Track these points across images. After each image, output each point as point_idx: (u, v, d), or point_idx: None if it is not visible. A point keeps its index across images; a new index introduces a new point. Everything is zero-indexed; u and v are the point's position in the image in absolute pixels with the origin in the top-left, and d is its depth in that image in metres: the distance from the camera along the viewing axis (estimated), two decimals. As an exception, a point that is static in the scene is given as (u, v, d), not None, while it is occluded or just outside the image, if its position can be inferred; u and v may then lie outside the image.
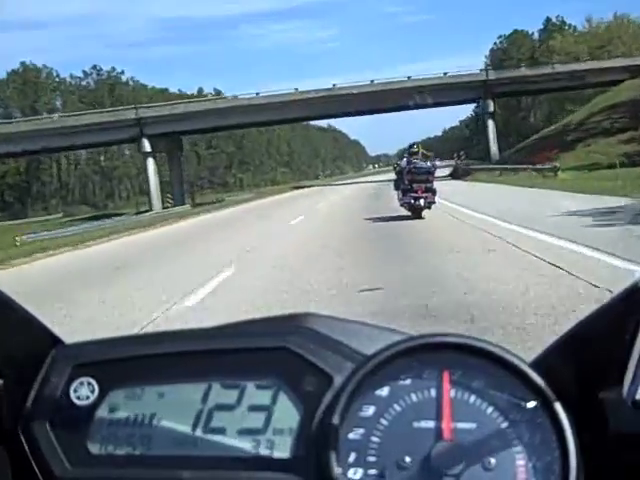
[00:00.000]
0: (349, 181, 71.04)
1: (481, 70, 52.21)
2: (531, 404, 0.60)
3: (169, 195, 48.18)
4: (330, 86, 48.52)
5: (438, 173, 16.87)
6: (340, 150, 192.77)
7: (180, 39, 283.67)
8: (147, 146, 47.13)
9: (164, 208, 44.79)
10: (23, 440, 0.69)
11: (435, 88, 47.36)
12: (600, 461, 0.58)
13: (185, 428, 0.66)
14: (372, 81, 48.65)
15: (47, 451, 0.68)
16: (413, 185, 14.43)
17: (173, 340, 0.73)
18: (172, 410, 0.67)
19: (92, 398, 0.69)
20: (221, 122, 48.33)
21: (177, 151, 52.47)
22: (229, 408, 0.66)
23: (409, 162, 14.90)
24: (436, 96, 47.75)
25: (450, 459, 0.59)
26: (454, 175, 46.69)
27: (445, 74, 48.69)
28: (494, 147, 49.36)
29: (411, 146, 15.64)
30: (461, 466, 0.58)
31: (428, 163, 15.04)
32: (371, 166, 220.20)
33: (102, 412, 0.69)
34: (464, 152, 52.22)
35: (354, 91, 47.80)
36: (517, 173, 33.71)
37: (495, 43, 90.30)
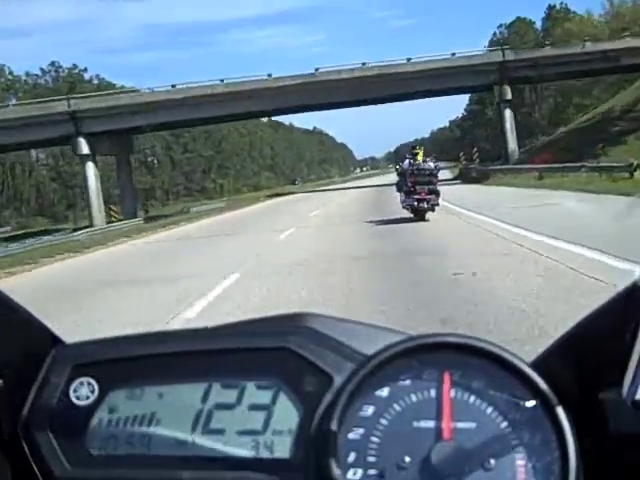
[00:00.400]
0: (336, 186, 60.01)
1: (494, 49, 42.51)
2: (531, 404, 0.59)
3: (112, 208, 38.23)
4: (312, 71, 38.80)
5: (439, 176, 15.37)
6: (326, 153, 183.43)
7: (164, 45, 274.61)
8: (84, 147, 37.16)
9: (108, 223, 35.09)
10: (23, 440, 0.68)
11: (440, 73, 37.79)
12: (600, 461, 0.58)
13: (185, 428, 0.66)
14: (364, 64, 38.96)
15: (47, 451, 0.67)
16: (416, 187, 13.97)
17: (173, 340, 0.72)
18: (172, 410, 0.67)
19: (92, 398, 0.69)
20: (178, 117, 38.39)
21: (127, 154, 42.45)
22: (229, 408, 0.65)
23: (411, 163, 14.44)
24: (441, 82, 38.19)
25: (450, 459, 0.58)
26: (464, 178, 37.12)
27: (453, 55, 39.06)
28: (512, 143, 39.77)
29: (413, 147, 15.34)
30: (461, 466, 0.58)
31: (432, 164, 14.55)
32: (358, 169, 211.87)
33: (102, 412, 0.68)
34: (476, 149, 42.40)
35: (343, 75, 38.12)
36: (566, 174, 24.21)
37: (495, 33, 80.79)
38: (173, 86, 38.30)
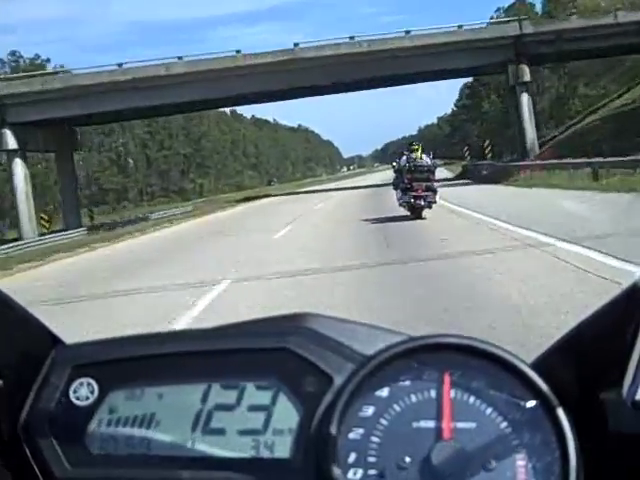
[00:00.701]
0: (319, 187, 51.23)
1: (510, 19, 35.28)
2: (531, 405, 0.59)
3: (43, 216, 30.88)
4: (290, 46, 31.57)
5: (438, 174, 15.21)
6: (312, 151, 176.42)
7: (150, 42, 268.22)
8: (11, 140, 29.77)
9: (41, 235, 27.89)
10: (23, 441, 0.67)
11: (444, 49, 30.80)
12: (600, 461, 0.57)
13: (185, 429, 0.65)
14: (351, 38, 31.78)
15: (47, 452, 0.67)
16: (413, 184, 13.57)
17: (173, 340, 0.71)
18: (172, 411, 0.66)
19: (92, 399, 0.68)
20: (127, 104, 30.97)
21: (69, 150, 34.91)
22: (229, 409, 0.65)
23: (409, 160, 13.97)
24: (445, 60, 31.18)
25: (450, 459, 0.58)
26: (474, 177, 30.23)
27: (460, 27, 31.94)
28: (531, 134, 32.78)
29: (411, 143, 14.88)
30: (461, 466, 0.57)
31: (429, 161, 14.09)
32: (345, 168, 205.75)
33: (102, 413, 0.68)
34: (489, 143, 35.01)
35: (327, 52, 30.94)
36: (632, 171, 17.25)
37: (492, 17, 73.66)
38: (120, 65, 30.85)
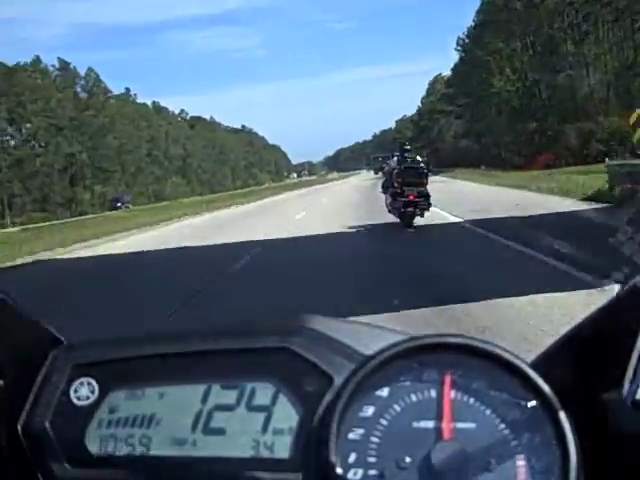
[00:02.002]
0: (240, 211, 23.91)
1: None
2: (531, 405, 0.57)
3: None
4: None
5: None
6: (255, 155, 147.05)
7: (103, 45, 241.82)
8: None
9: None
10: (23, 440, 0.66)
11: None
12: (600, 462, 0.56)
13: (185, 428, 0.64)
14: None
15: (47, 451, 0.65)
16: (404, 189, 11.91)
17: (173, 340, 0.69)
18: (172, 410, 0.65)
19: (92, 398, 0.66)
20: None
21: None
22: (229, 408, 0.63)
23: (400, 162, 12.55)
24: None
25: (450, 459, 0.56)
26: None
27: None
28: None
29: (403, 144, 13.61)
30: (461, 466, 0.56)
31: (422, 163, 12.91)
32: (295, 174, 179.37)
33: (102, 412, 0.66)
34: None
35: None
36: None
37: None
38: None
